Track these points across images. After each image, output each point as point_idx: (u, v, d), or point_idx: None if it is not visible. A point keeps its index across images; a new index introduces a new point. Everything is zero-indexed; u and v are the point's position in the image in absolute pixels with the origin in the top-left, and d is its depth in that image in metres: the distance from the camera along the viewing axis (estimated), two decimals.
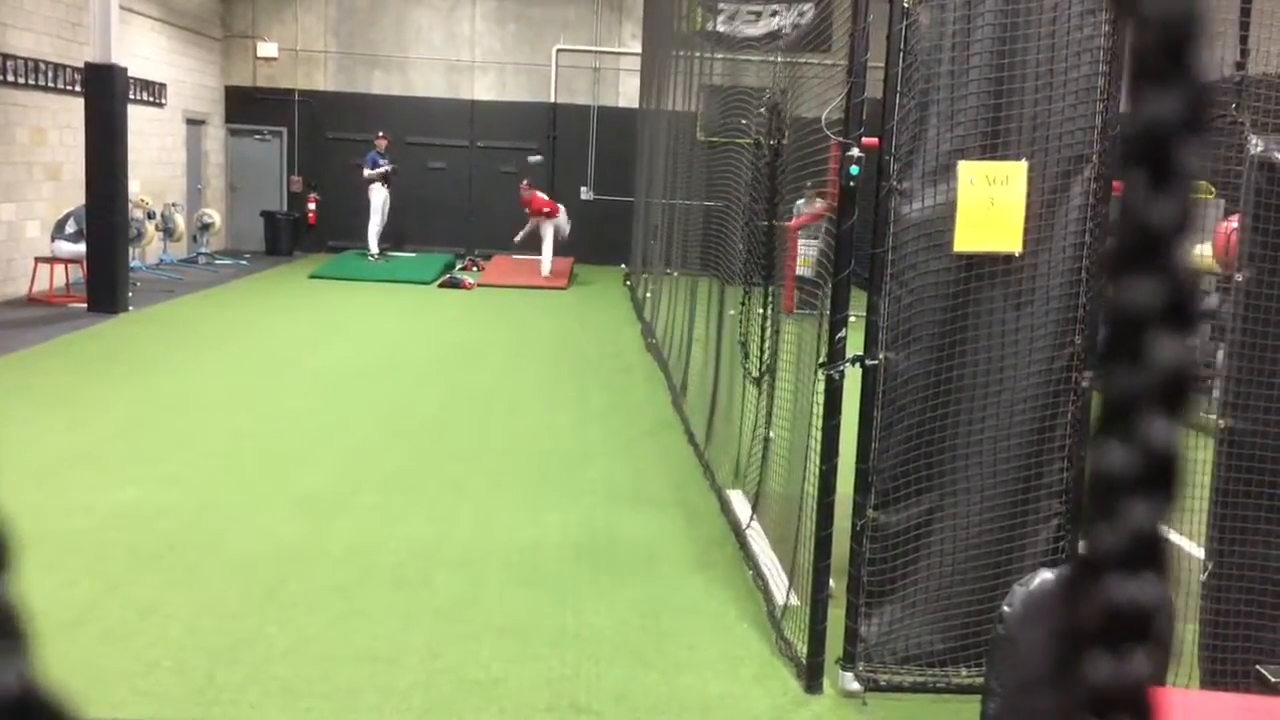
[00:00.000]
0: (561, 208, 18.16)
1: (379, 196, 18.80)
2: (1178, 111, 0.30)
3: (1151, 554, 0.32)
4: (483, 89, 21.05)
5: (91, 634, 4.67)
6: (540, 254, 18.06)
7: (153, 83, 17.47)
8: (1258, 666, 3.53)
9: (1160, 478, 0.31)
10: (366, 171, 18.79)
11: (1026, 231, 4.35)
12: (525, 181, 18.41)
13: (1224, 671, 3.98)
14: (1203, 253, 8.59)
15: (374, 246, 18.81)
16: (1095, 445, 0.32)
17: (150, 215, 16.12)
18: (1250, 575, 4.03)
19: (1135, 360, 0.31)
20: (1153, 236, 0.31)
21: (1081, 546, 0.33)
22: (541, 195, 18.04)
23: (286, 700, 4.20)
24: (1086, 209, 4.40)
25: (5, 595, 0.32)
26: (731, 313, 7.32)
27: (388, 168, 18.81)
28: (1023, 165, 4.31)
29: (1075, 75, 4.33)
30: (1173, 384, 0.31)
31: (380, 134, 19.07)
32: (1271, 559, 4.04)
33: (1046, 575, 3.61)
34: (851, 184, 4.37)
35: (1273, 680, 3.29)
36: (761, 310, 6.17)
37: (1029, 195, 4.32)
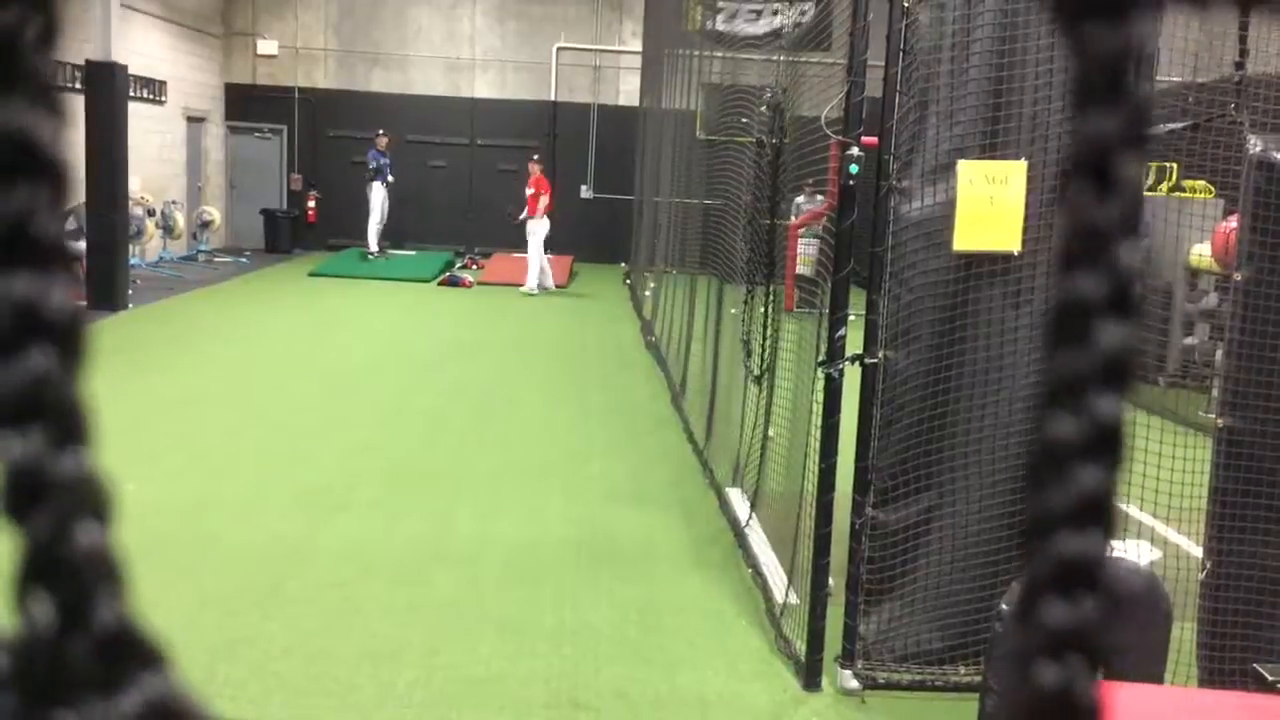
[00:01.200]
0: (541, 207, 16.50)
1: (378, 195, 18.74)
2: (1118, 129, 0.34)
3: (1099, 513, 0.35)
4: (483, 87, 21.05)
5: None
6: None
7: (153, 80, 17.47)
8: (1255, 665, 3.54)
9: (1108, 445, 0.35)
10: (372, 168, 18.77)
11: (1025, 231, 4.35)
12: (536, 157, 17.41)
13: (1222, 670, 3.99)
14: (1202, 252, 8.59)
15: (374, 245, 18.75)
16: (1046, 416, 0.36)
17: (150, 213, 16.13)
18: (1248, 574, 4.04)
19: (1082, 344, 0.35)
20: (1097, 236, 0.35)
21: (1033, 506, 0.36)
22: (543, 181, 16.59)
23: (286, 696, 4.21)
24: None
25: (103, 542, 0.37)
26: (733, 311, 7.33)
27: (384, 164, 18.72)
28: (1022, 164, 4.32)
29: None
30: (1116, 364, 0.35)
31: (380, 132, 19.04)
32: (1270, 558, 4.05)
33: None
34: (851, 183, 4.38)
35: (1270, 679, 3.30)
36: (763, 309, 6.17)
37: (1028, 195, 4.33)
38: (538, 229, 16.34)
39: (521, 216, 16.74)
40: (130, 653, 0.35)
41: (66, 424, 0.37)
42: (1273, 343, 3.95)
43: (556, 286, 17.18)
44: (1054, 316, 0.36)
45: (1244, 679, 3.67)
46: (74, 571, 0.36)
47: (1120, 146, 0.34)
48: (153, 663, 0.36)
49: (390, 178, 18.69)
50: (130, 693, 0.36)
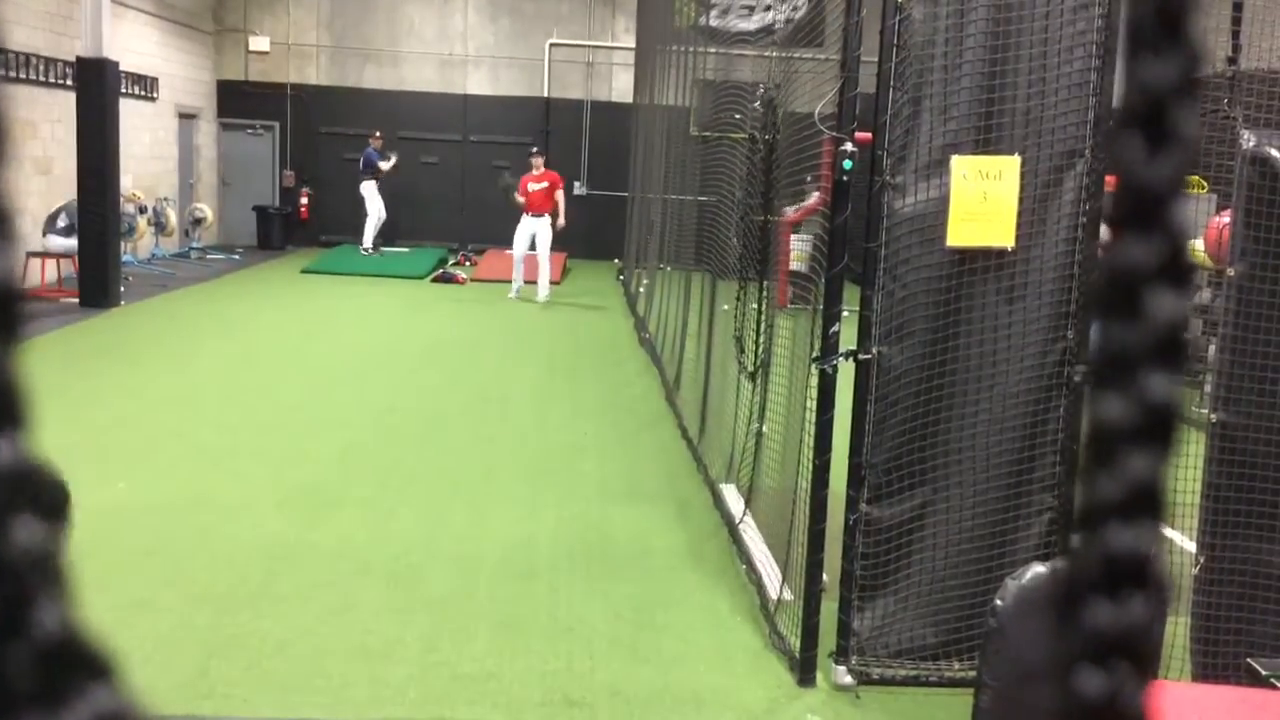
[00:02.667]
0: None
1: (374, 191, 18.70)
2: (1173, 77, 0.32)
3: (1150, 503, 0.33)
4: (476, 83, 21.02)
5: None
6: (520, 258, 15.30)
7: (144, 77, 17.42)
8: (1249, 659, 3.54)
9: (1159, 430, 0.32)
10: (384, 165, 18.62)
11: (1019, 226, 4.35)
12: (537, 149, 15.97)
13: (1215, 665, 4.00)
14: (1195, 247, 8.60)
15: (369, 241, 18.72)
16: (1094, 399, 0.33)
17: (142, 210, 16.08)
18: (1241, 569, 4.05)
19: (1133, 316, 0.32)
20: (1149, 196, 0.32)
21: (1083, 497, 0.34)
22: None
23: (280, 695, 4.20)
24: (1079, 203, 4.41)
25: (44, 540, 0.33)
26: (725, 307, 7.33)
27: (390, 162, 18.69)
28: (1015, 160, 4.32)
29: (1068, 70, 4.34)
30: (1169, 339, 0.32)
31: (377, 133, 18.96)
32: (1263, 553, 4.05)
33: (1039, 569, 3.62)
34: (845, 178, 4.38)
35: (1264, 673, 3.30)
36: (756, 305, 6.17)
37: (1021, 190, 4.33)
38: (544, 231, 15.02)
39: (560, 223, 15.13)
40: (76, 663, 0.33)
41: None
42: (1265, 338, 3.95)
43: (551, 283, 17.10)
44: (1102, 287, 0.33)
45: (1238, 674, 3.68)
46: (12, 574, 0.33)
47: (1175, 96, 0.32)
48: (100, 673, 0.33)
49: (392, 161, 18.77)
50: (76, 707, 0.33)
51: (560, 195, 15.14)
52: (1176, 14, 0.31)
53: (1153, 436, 0.33)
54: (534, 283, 15.14)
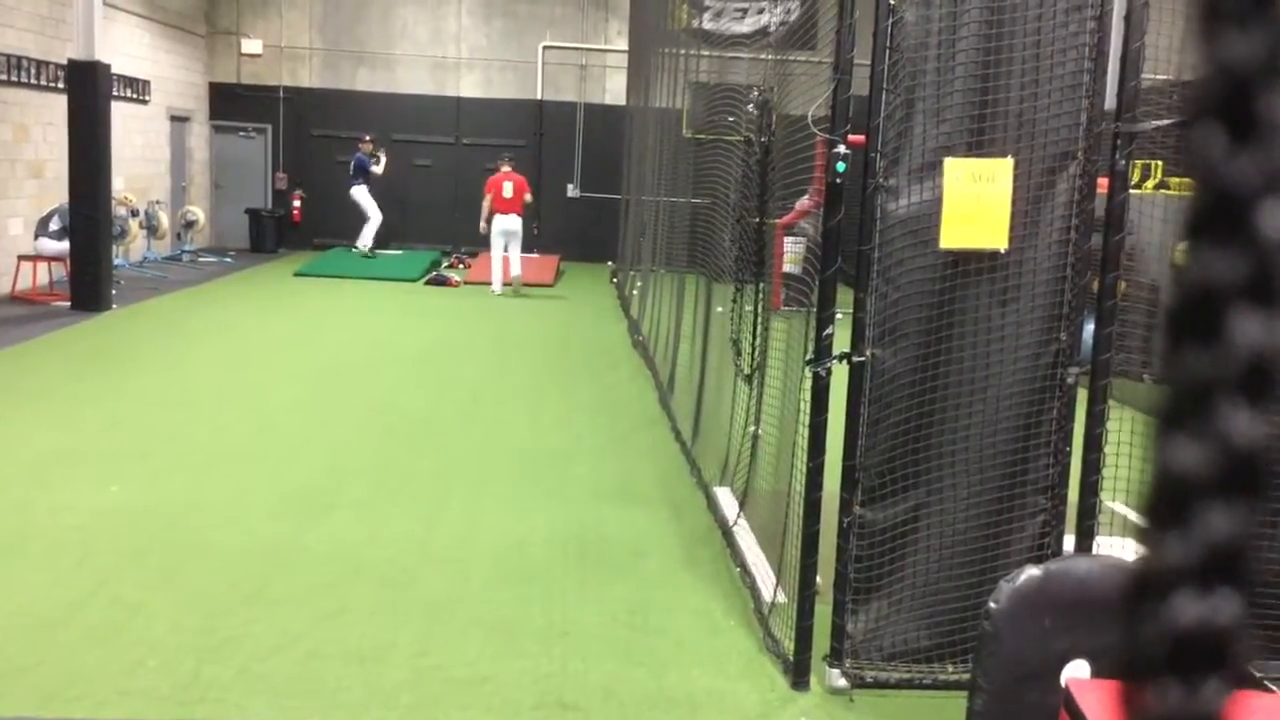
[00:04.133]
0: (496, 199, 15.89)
1: (367, 195, 18.70)
2: (1259, 54, 0.26)
3: (1230, 568, 0.27)
4: (469, 86, 21.01)
5: (76, 632, 4.65)
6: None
7: (136, 79, 17.39)
8: None
9: (1241, 479, 0.26)
10: (376, 170, 18.59)
11: (1012, 228, 4.35)
12: (510, 156, 16.81)
13: (1246, 686, 3.99)
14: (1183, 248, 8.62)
15: (368, 241, 18.72)
16: (1163, 440, 0.27)
17: (134, 213, 16.05)
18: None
19: (1211, 342, 0.26)
20: (1233, 199, 0.26)
21: (1146, 557, 0.28)
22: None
23: (272, 699, 4.19)
24: (1072, 205, 4.42)
25: None
26: (720, 310, 7.33)
27: (381, 164, 18.68)
28: (1008, 162, 4.32)
29: (1061, 72, 4.34)
30: (1256, 369, 0.26)
31: (366, 137, 18.94)
32: (1262, 554, 4.06)
33: (1032, 571, 3.63)
34: (838, 181, 4.38)
35: (1259, 676, 3.30)
36: (752, 307, 6.17)
37: (1014, 192, 4.33)
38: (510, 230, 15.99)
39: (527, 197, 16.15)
40: None
41: None
42: None
43: (544, 285, 17.17)
44: (1176, 307, 0.27)
45: None
46: None
47: (1263, 78, 0.26)
48: None
49: (380, 161, 18.78)
50: None
51: (528, 196, 16.25)
52: None
53: (1236, 488, 0.26)
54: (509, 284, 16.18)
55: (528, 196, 16.07)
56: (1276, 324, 0.26)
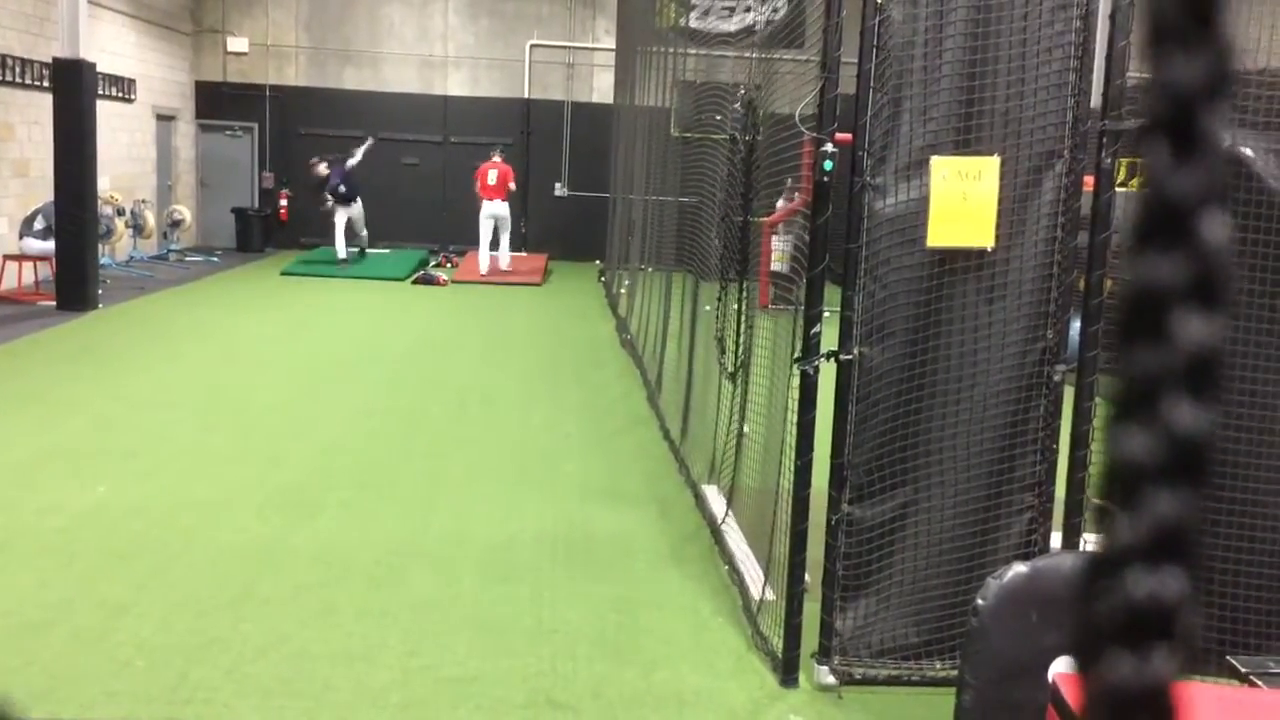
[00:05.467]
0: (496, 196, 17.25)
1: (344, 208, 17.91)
2: (1201, 75, 0.29)
3: (1176, 547, 0.29)
4: (456, 84, 20.98)
5: (63, 634, 4.63)
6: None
7: (122, 78, 17.31)
8: (1229, 658, 3.56)
9: (1187, 465, 0.29)
10: (352, 161, 17.90)
11: (999, 226, 4.37)
12: (500, 147, 18.15)
13: (1196, 662, 4.02)
14: None
15: (342, 251, 17.90)
16: (1115, 431, 0.30)
17: (120, 212, 15.98)
18: (1221, 567, 4.07)
19: (1158, 340, 0.29)
20: (1176, 208, 0.29)
21: (1101, 539, 0.30)
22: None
23: (260, 699, 4.18)
24: (1058, 204, 4.43)
25: None
26: (707, 308, 7.33)
27: (361, 151, 17.91)
28: (995, 160, 4.34)
29: (1047, 71, 4.36)
30: (1199, 364, 0.29)
31: (314, 159, 18.24)
32: (1243, 551, 4.08)
33: (1020, 568, 3.64)
34: (825, 179, 4.39)
35: (1244, 671, 3.32)
36: (737, 306, 6.18)
37: (1001, 190, 4.35)
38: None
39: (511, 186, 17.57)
40: None
41: None
42: (1243, 336, 3.98)
43: (532, 285, 17.19)
44: (1126, 307, 0.29)
45: (1219, 672, 3.70)
46: None
47: (1205, 98, 0.28)
48: None
49: (341, 186, 17.81)
50: None
51: (512, 184, 17.52)
52: (1206, 5, 0.28)
53: (1181, 472, 0.29)
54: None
55: (511, 185, 17.28)
56: (1216, 323, 0.28)
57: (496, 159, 17.50)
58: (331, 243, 18.28)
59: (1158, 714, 0.29)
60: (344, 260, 17.75)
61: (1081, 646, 0.30)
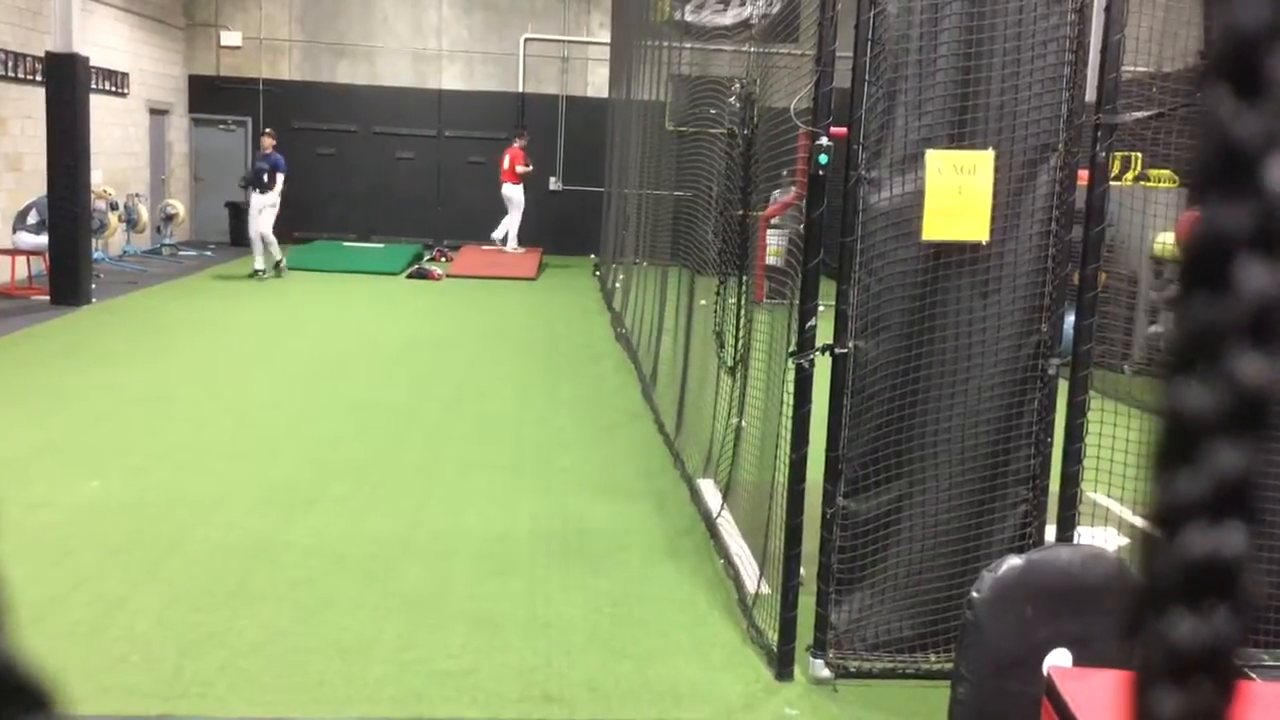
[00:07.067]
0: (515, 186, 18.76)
1: (259, 200, 16.12)
2: (1267, 16, 0.28)
3: (1238, 502, 0.28)
4: (450, 78, 20.94)
5: (58, 628, 4.62)
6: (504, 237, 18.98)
7: (115, 72, 17.26)
8: None
9: (1248, 419, 0.28)
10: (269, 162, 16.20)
11: (993, 220, 4.37)
12: (521, 129, 19.27)
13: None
14: (1167, 241, 8.68)
15: (259, 262, 15.96)
16: (1173, 385, 0.29)
17: (113, 206, 15.93)
18: None
19: (1220, 289, 0.28)
20: (1240, 154, 0.28)
21: (1159, 496, 0.29)
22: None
23: (255, 693, 4.18)
24: (1052, 197, 4.44)
25: None
26: (703, 303, 7.33)
27: (263, 168, 16.14)
28: (989, 154, 4.34)
29: (1041, 65, 4.36)
30: (1262, 314, 0.28)
31: (266, 130, 17.05)
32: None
33: (1014, 561, 3.65)
34: (820, 173, 4.38)
35: (1237, 663, 3.33)
36: (735, 300, 6.18)
37: (996, 184, 4.35)
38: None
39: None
40: (13, 696, 0.31)
41: None
42: None
43: (527, 279, 17.20)
44: (1188, 258, 0.28)
45: None
46: None
47: (1270, 39, 0.27)
48: (39, 705, 0.31)
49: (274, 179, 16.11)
50: None
51: (519, 168, 18.74)
52: None
53: (1244, 426, 0.28)
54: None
55: (519, 167, 18.56)
56: None
57: (517, 143, 18.66)
58: (339, 236, 18.31)
59: (1221, 677, 0.28)
60: (260, 271, 15.96)
61: (1139, 607, 0.29)
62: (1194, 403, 0.28)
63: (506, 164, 18.59)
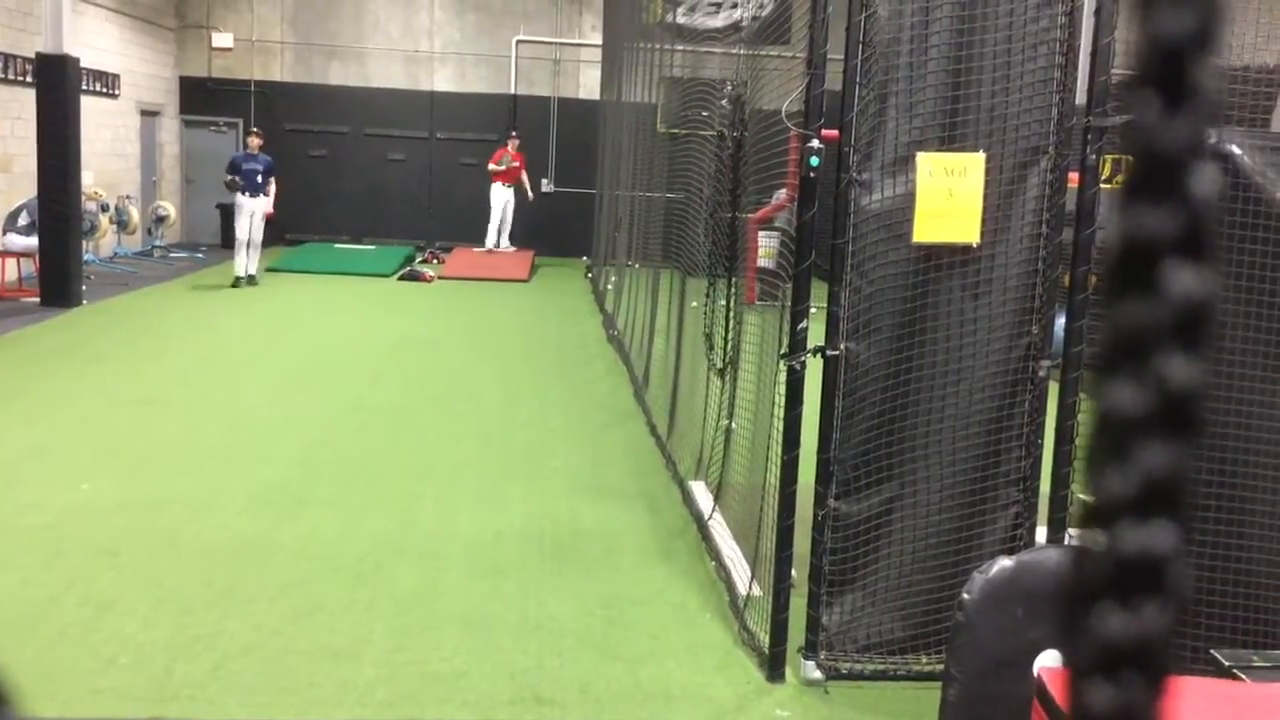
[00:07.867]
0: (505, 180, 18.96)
1: (255, 205, 15.60)
2: (1190, 26, 0.28)
3: (1166, 499, 0.29)
4: (442, 80, 20.92)
5: (48, 631, 4.61)
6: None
7: (106, 73, 17.21)
8: (1213, 651, 3.58)
9: (1178, 418, 0.29)
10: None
11: (984, 222, 4.38)
12: (513, 132, 19.35)
13: (1180, 656, 4.03)
14: None
15: (241, 268, 15.41)
16: (1104, 383, 0.29)
17: (104, 208, 15.89)
18: (1206, 560, 4.09)
19: (1147, 292, 0.28)
20: (1165, 161, 0.29)
21: (1091, 494, 0.30)
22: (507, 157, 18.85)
23: (245, 696, 4.17)
24: (1043, 200, 4.45)
25: None
26: (694, 304, 7.34)
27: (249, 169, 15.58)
28: (980, 157, 4.35)
29: (1032, 67, 4.37)
30: (1189, 317, 0.28)
31: (254, 130, 16.55)
32: (1225, 545, 4.10)
33: (1005, 562, 3.65)
34: (812, 175, 4.39)
35: (1227, 664, 3.34)
36: (725, 302, 6.18)
37: (986, 186, 4.36)
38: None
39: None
40: None
41: None
42: (1230, 333, 4.00)
43: (519, 281, 17.19)
44: (1115, 261, 0.29)
45: (1203, 665, 3.72)
46: None
47: (1194, 49, 0.28)
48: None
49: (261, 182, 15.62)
50: None
51: (491, 165, 19.05)
52: None
53: (1172, 425, 0.29)
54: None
55: (491, 165, 18.93)
56: (1206, 275, 0.28)
57: (506, 145, 19.03)
58: (332, 238, 18.18)
59: (1150, 669, 0.29)
60: (252, 275, 15.52)
61: (1072, 601, 0.30)
62: (1123, 403, 0.29)
63: (504, 165, 18.89)
